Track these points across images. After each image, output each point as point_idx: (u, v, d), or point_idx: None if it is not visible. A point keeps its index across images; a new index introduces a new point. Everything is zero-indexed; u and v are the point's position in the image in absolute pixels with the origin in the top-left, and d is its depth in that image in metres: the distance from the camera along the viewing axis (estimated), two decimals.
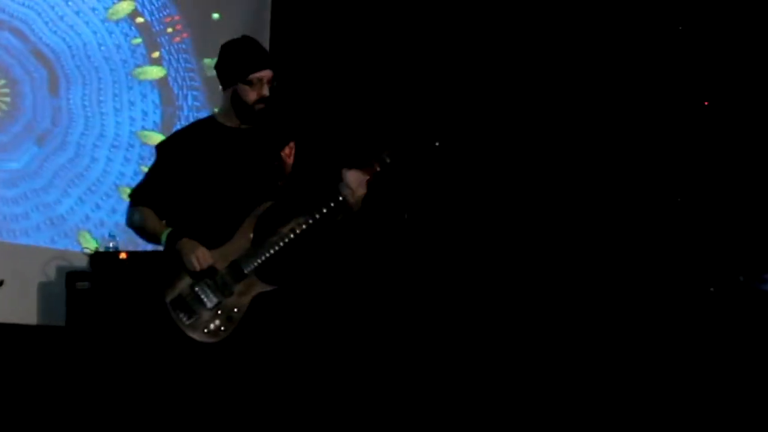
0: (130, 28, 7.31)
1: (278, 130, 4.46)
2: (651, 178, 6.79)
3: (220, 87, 4.48)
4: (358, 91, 7.44)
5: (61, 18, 7.03)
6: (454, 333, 6.92)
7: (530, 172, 7.06)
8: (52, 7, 6.98)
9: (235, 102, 4.35)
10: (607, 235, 6.85)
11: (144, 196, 4.41)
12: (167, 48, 7.47)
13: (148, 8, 7.40)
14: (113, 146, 7.18)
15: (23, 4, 6.84)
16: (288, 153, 4.39)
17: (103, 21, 7.19)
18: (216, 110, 4.67)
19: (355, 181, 4.22)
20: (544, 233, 6.96)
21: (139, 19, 7.35)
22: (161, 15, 7.47)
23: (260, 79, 4.34)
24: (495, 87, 7.13)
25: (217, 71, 4.47)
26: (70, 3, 7.06)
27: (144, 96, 7.33)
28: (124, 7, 7.30)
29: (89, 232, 6.99)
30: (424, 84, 7.29)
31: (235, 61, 4.38)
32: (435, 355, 6.75)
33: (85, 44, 7.11)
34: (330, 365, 6.24)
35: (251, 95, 4.33)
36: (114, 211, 7.06)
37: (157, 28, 7.43)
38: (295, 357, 4.30)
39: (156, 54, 7.41)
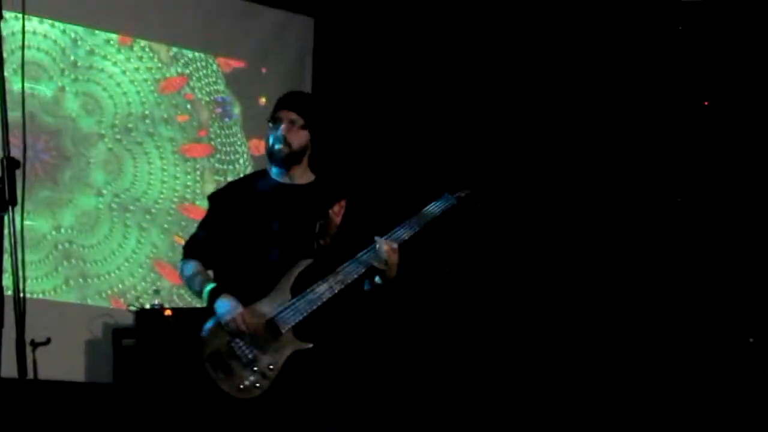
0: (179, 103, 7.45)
1: (330, 186, 4.46)
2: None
3: None
4: (402, 146, 7.48)
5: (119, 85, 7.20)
6: (491, 393, 6.92)
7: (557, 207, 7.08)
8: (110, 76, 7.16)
9: (266, 148, 4.41)
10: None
11: (193, 248, 4.43)
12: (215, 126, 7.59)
13: (198, 84, 7.53)
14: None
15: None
16: (337, 211, 4.36)
17: (152, 92, 7.34)
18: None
19: (386, 249, 4.22)
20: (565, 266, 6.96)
21: (188, 95, 7.48)
22: (210, 90, 7.58)
23: (279, 119, 4.35)
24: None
25: None
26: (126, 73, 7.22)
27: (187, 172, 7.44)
28: (176, 82, 7.43)
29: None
30: (464, 136, 7.33)
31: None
32: (471, 415, 6.74)
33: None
34: (365, 424, 6.23)
35: (271, 133, 4.37)
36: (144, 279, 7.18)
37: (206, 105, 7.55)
38: (329, 416, 4.27)
39: (203, 132, 7.54)
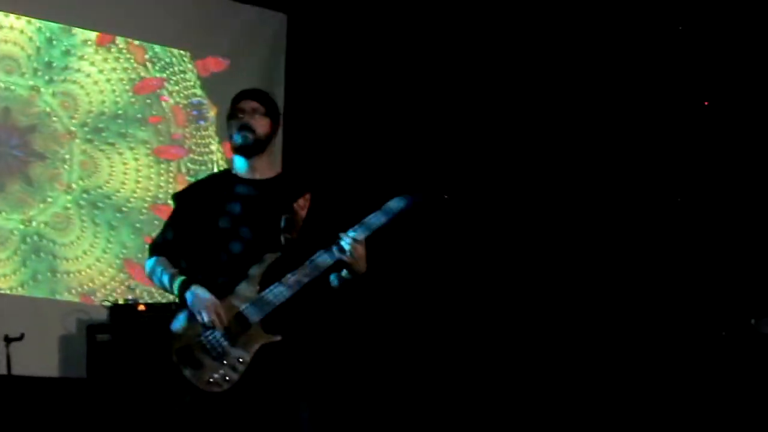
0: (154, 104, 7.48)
1: (294, 181, 4.48)
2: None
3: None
4: (372, 143, 7.50)
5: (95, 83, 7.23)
6: (461, 385, 6.95)
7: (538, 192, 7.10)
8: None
9: (230, 141, 4.40)
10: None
11: (159, 247, 4.44)
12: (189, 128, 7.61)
13: (175, 88, 7.55)
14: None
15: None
16: (302, 205, 4.36)
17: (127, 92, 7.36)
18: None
19: (351, 242, 4.22)
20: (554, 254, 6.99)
21: (164, 97, 7.51)
22: (187, 94, 7.61)
23: (242, 109, 4.35)
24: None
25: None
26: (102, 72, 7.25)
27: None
28: (152, 83, 7.45)
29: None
30: (434, 134, 7.35)
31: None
32: (445, 403, 6.77)
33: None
34: (332, 417, 6.26)
35: (233, 126, 4.36)
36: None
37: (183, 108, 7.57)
38: (297, 408, 4.30)
39: (177, 135, 7.56)
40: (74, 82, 7.16)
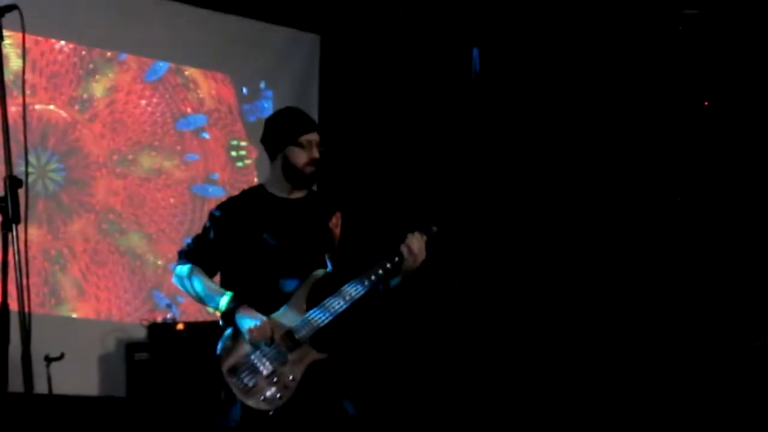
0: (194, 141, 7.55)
1: (325, 200, 4.52)
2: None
3: (269, 159, 4.53)
4: (403, 161, 7.54)
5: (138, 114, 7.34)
6: (507, 398, 6.96)
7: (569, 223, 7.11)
8: None
9: (287, 168, 4.41)
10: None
11: (194, 254, 4.45)
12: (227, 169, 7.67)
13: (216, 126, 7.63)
14: None
15: None
16: (335, 223, 4.43)
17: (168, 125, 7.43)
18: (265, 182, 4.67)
19: (417, 244, 4.28)
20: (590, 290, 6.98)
21: (205, 136, 7.58)
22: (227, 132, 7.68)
23: (310, 142, 4.40)
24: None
25: (264, 143, 4.52)
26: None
27: None
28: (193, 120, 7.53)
29: None
30: (468, 152, 7.37)
31: (284, 126, 4.45)
32: (483, 420, 6.78)
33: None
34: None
35: (302, 158, 4.38)
36: None
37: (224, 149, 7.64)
38: (348, 424, 4.34)
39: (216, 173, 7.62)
40: (116, 111, 7.25)
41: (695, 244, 6.54)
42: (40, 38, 6.98)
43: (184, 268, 4.44)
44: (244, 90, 7.78)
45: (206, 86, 7.64)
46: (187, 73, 7.58)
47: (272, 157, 4.50)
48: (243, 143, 7.73)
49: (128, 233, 7.22)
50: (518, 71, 7.30)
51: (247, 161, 7.72)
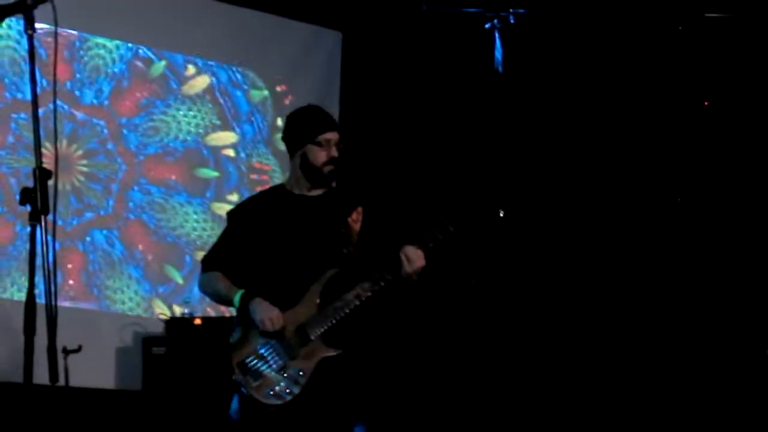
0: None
1: (345, 196, 4.54)
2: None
3: (289, 156, 4.57)
4: (424, 158, 7.52)
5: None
6: (523, 399, 6.94)
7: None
8: None
9: (305, 165, 4.44)
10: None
11: (215, 262, 4.51)
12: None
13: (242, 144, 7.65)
14: None
15: None
16: (355, 219, 4.44)
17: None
18: (284, 180, 4.74)
19: (412, 255, 4.28)
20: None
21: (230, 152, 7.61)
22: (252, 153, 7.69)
23: (328, 140, 4.43)
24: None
25: (285, 140, 4.57)
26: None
27: None
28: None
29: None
30: (488, 152, 7.35)
31: (303, 124, 4.49)
32: (497, 420, 6.77)
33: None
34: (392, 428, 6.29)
35: (320, 156, 4.42)
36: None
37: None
38: (353, 425, 4.34)
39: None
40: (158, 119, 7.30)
41: (695, 244, 6.51)
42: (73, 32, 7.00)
43: (203, 277, 4.54)
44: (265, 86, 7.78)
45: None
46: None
47: (292, 155, 4.53)
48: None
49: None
50: (533, 72, 7.28)
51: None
